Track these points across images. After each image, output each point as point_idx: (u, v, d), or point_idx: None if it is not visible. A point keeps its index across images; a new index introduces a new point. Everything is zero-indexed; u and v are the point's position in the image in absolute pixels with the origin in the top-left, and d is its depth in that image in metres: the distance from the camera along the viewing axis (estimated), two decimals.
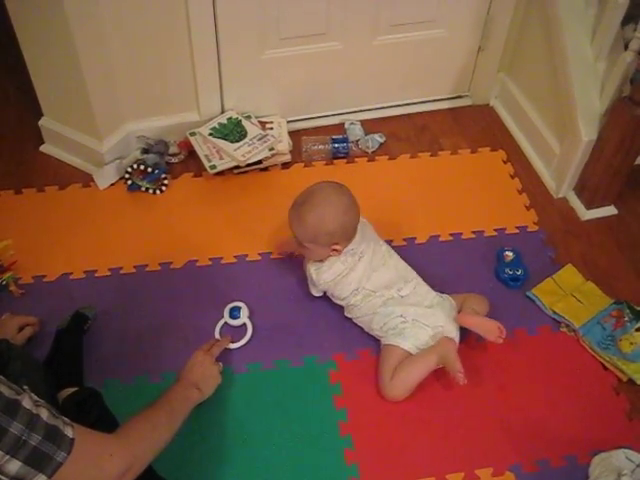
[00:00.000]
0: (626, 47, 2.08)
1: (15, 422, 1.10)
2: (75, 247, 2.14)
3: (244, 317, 1.94)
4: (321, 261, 1.86)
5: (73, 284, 2.05)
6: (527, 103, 2.53)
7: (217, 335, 1.92)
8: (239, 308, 1.96)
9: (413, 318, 1.82)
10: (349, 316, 1.94)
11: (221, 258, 2.12)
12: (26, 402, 1.13)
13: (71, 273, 2.07)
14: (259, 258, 2.13)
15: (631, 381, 1.86)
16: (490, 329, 1.84)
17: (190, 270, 2.09)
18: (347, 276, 1.85)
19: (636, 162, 2.24)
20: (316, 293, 1.95)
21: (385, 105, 2.66)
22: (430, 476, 1.68)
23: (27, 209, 2.26)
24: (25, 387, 1.18)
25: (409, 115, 2.66)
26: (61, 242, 2.16)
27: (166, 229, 2.21)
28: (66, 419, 1.21)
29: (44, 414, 1.15)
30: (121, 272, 2.08)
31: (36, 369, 1.60)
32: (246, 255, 2.13)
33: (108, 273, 2.08)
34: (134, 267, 2.09)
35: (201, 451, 1.71)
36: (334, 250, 1.82)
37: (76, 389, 1.67)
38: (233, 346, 1.90)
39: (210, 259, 2.12)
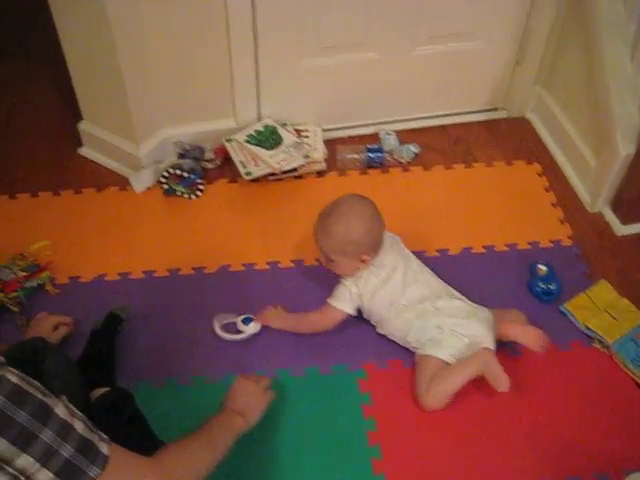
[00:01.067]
0: None
1: (46, 429, 1.08)
2: (110, 249, 2.17)
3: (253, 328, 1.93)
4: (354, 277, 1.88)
5: (107, 285, 2.07)
6: (563, 116, 2.52)
7: (217, 330, 1.93)
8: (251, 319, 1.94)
9: (450, 328, 1.82)
10: (382, 332, 1.93)
11: (254, 264, 2.14)
12: (59, 410, 1.12)
13: (106, 274, 2.10)
14: (292, 265, 2.14)
15: None
16: (532, 337, 1.82)
17: (223, 275, 2.11)
18: (382, 289, 1.85)
19: None
20: (351, 311, 1.90)
21: (420, 116, 2.66)
22: None
23: (65, 210, 2.30)
24: (64, 397, 1.17)
25: (444, 126, 2.66)
26: (97, 244, 2.19)
27: (200, 234, 2.23)
28: (103, 435, 1.19)
29: (79, 426, 1.14)
30: (155, 275, 2.10)
31: (71, 368, 1.62)
32: (278, 262, 2.14)
33: (142, 276, 2.10)
34: (167, 270, 2.11)
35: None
36: (362, 261, 1.83)
37: (108, 389, 1.69)
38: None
39: (243, 265, 2.13)
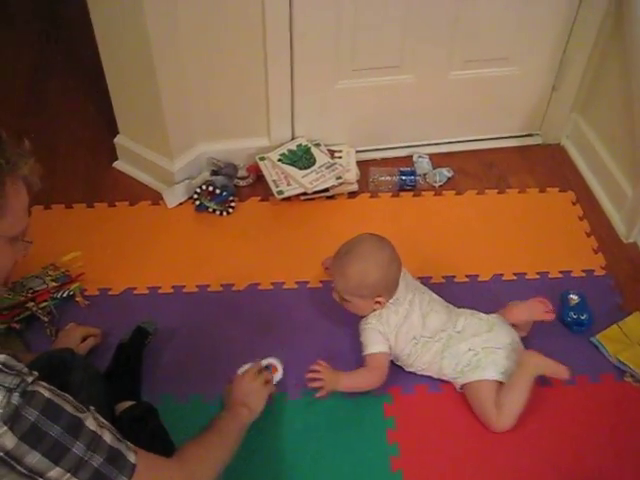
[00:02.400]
0: None
1: (78, 442, 1.11)
2: (141, 263, 2.19)
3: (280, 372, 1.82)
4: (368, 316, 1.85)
5: (136, 299, 2.09)
6: (600, 144, 2.49)
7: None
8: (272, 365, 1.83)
9: (482, 347, 1.81)
10: (412, 370, 1.89)
11: (283, 283, 2.14)
12: (90, 422, 1.15)
13: (135, 288, 2.11)
14: (320, 285, 2.13)
15: None
16: (536, 309, 1.90)
17: (251, 293, 2.11)
18: (403, 325, 1.83)
19: None
20: (389, 350, 1.85)
21: (454, 140, 2.65)
22: None
23: (97, 223, 2.32)
24: (92, 408, 1.20)
25: (478, 151, 2.65)
26: (128, 257, 2.21)
27: (230, 251, 2.24)
28: (130, 444, 1.23)
29: (107, 437, 1.17)
30: (183, 290, 2.11)
31: (97, 380, 1.63)
32: (307, 282, 2.14)
33: (171, 290, 2.11)
34: (196, 286, 2.12)
35: (251, 473, 1.70)
36: (377, 303, 1.81)
37: (133, 403, 1.70)
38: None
39: (272, 283, 2.14)
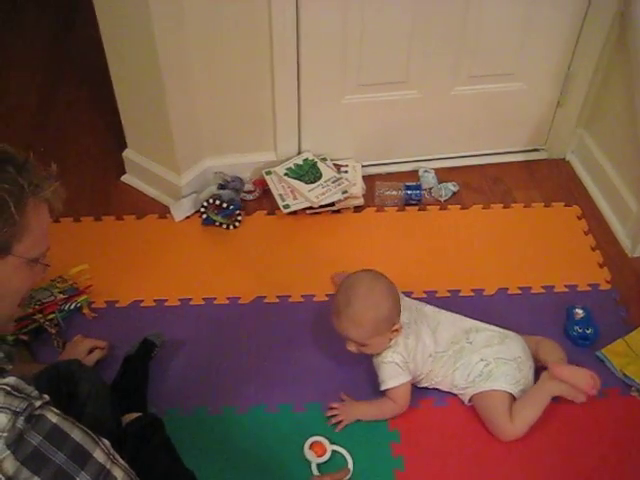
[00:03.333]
0: None
1: (83, 472, 1.08)
2: (148, 275, 2.20)
3: (327, 454, 1.76)
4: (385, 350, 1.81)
5: (143, 311, 2.10)
6: (605, 159, 2.50)
7: (306, 452, 1.76)
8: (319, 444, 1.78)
9: (494, 357, 1.82)
10: (425, 385, 1.89)
11: (289, 296, 2.15)
12: (98, 454, 1.12)
13: (142, 300, 2.13)
14: (326, 299, 2.14)
15: None
16: (583, 378, 1.77)
17: (257, 306, 2.12)
18: (418, 346, 1.81)
19: None
20: (410, 378, 1.82)
21: (460, 155, 2.66)
22: None
23: (105, 236, 2.34)
24: (105, 441, 1.16)
25: (483, 166, 2.66)
26: (135, 270, 2.22)
27: (237, 264, 2.25)
28: None
29: (119, 474, 1.14)
30: (190, 303, 2.12)
31: (104, 392, 1.64)
32: (314, 295, 2.15)
33: (178, 303, 2.12)
34: (203, 299, 2.13)
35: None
36: (394, 332, 1.77)
37: (139, 415, 1.70)
38: None
39: (278, 297, 2.14)
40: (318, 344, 2.01)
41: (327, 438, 1.77)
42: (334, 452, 1.75)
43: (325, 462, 1.74)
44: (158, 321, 2.06)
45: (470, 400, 1.85)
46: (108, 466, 1.12)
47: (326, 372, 1.94)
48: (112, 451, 1.16)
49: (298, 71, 2.27)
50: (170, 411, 1.82)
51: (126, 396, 1.76)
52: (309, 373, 1.94)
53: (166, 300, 2.13)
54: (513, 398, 1.80)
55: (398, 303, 1.77)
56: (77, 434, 1.10)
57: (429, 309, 1.92)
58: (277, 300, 2.14)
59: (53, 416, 1.09)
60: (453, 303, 2.11)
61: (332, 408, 1.84)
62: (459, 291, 2.17)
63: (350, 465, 1.73)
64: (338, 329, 1.77)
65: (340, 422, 1.82)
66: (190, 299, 2.13)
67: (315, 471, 1.72)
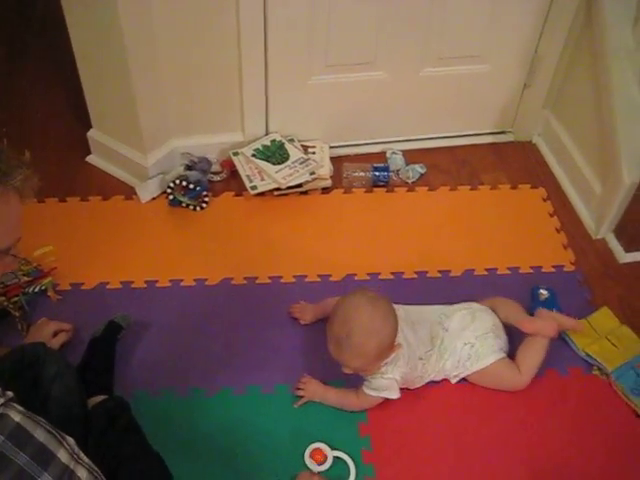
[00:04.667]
0: None
1: (46, 473, 1.04)
2: (114, 257, 2.18)
3: (329, 462, 1.72)
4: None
5: (109, 293, 2.08)
6: (570, 142, 2.52)
7: (307, 461, 1.73)
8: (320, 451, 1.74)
9: (475, 336, 1.86)
10: (418, 386, 1.87)
11: (256, 278, 2.14)
12: (62, 454, 1.08)
13: (108, 283, 2.11)
14: (293, 280, 2.14)
15: None
16: (551, 330, 1.90)
17: (225, 288, 2.11)
18: (407, 351, 1.78)
19: None
20: (396, 395, 1.78)
21: (427, 137, 2.67)
22: None
23: (70, 217, 2.31)
24: (70, 439, 1.12)
25: (451, 148, 2.67)
26: (100, 252, 2.19)
27: (204, 246, 2.24)
28: None
29: (82, 473, 1.11)
30: (157, 285, 2.11)
31: (70, 374, 1.62)
32: (281, 277, 2.15)
33: (144, 285, 2.11)
34: (169, 281, 2.12)
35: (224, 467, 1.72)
36: (393, 349, 1.72)
37: (105, 397, 1.70)
38: None
39: (245, 278, 2.14)
40: (286, 326, 2.01)
41: (327, 444, 1.74)
42: (335, 458, 1.73)
43: (327, 470, 1.70)
44: (124, 303, 2.04)
45: (463, 379, 1.89)
46: (72, 466, 1.09)
47: (294, 353, 1.95)
48: (77, 450, 1.13)
49: (265, 51, 2.25)
50: (137, 393, 1.81)
51: (92, 379, 1.75)
52: (277, 355, 1.94)
53: (132, 282, 2.11)
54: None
55: (397, 321, 1.71)
56: (40, 434, 1.07)
57: (402, 311, 1.85)
58: (244, 282, 2.13)
59: (16, 415, 1.05)
60: (420, 284, 2.14)
61: (300, 382, 1.85)
62: (426, 272, 2.18)
63: (352, 470, 1.71)
64: (338, 360, 1.71)
65: (302, 398, 1.83)
66: (156, 281, 2.12)
67: None
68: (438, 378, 1.90)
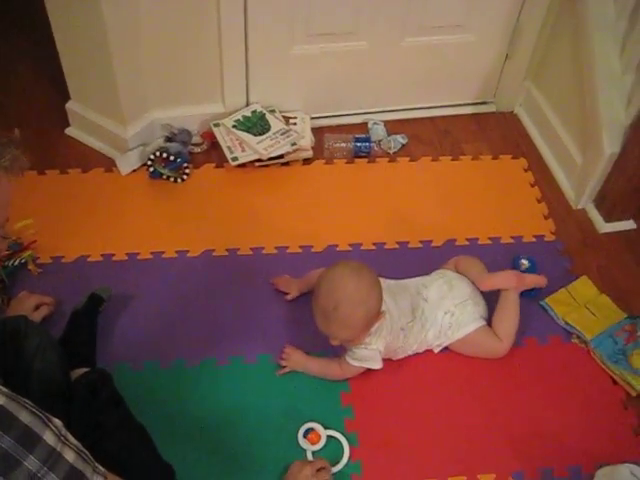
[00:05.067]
0: None
1: (32, 456, 1.02)
2: (94, 230, 2.17)
3: (322, 441, 1.73)
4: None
5: (90, 266, 2.07)
6: (551, 112, 2.53)
7: (301, 441, 1.73)
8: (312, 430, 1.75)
9: (454, 305, 1.87)
10: (401, 357, 1.89)
11: (237, 249, 2.14)
12: (48, 436, 1.06)
13: (89, 255, 2.10)
14: (275, 252, 2.14)
15: None
16: (511, 281, 1.93)
17: (206, 259, 2.11)
18: (389, 322, 1.78)
19: None
20: (378, 366, 1.79)
21: (409, 107, 2.66)
22: (433, 477, 1.69)
23: (49, 190, 2.29)
24: (56, 421, 1.10)
25: (432, 118, 2.66)
26: (81, 224, 2.18)
27: (185, 217, 2.23)
28: (101, 468, 1.14)
29: (70, 455, 1.09)
30: (138, 257, 2.10)
31: (52, 346, 1.62)
32: (262, 248, 2.15)
33: (125, 258, 2.10)
34: (151, 253, 2.11)
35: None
36: (379, 317, 1.72)
37: (87, 370, 1.70)
38: (334, 469, 1.68)
39: (227, 249, 2.14)
40: (268, 296, 2.02)
41: (320, 424, 1.75)
42: (329, 437, 1.73)
43: (321, 449, 1.71)
44: (105, 276, 2.03)
45: (445, 349, 1.91)
46: (58, 448, 1.07)
47: (276, 324, 1.96)
48: (63, 431, 1.11)
49: (245, 21, 2.22)
50: (119, 366, 1.81)
51: (74, 351, 1.75)
52: (259, 325, 1.95)
53: (113, 255, 2.10)
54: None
55: (381, 290, 1.70)
56: (25, 416, 1.04)
57: (383, 282, 1.80)
58: (226, 253, 2.13)
59: (0, 397, 1.04)
60: (401, 255, 2.15)
61: (284, 352, 1.86)
62: (407, 243, 2.19)
63: (346, 449, 1.71)
64: (326, 332, 1.70)
65: (284, 367, 1.85)
66: (138, 253, 2.11)
67: (310, 457, 1.70)
68: (421, 350, 1.91)
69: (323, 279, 1.68)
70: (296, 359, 1.85)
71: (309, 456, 1.71)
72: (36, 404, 1.10)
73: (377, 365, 1.78)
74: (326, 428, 1.75)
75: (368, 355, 1.77)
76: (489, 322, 1.92)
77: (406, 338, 1.84)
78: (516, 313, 1.90)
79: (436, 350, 1.91)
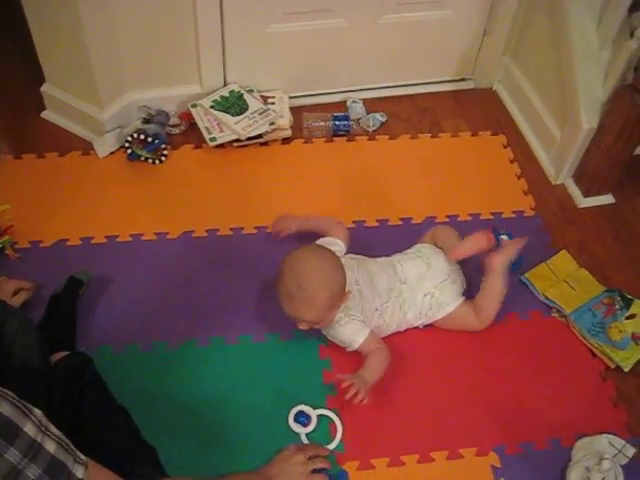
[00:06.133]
0: (632, 35, 2.07)
1: (12, 448, 1.03)
2: (72, 214, 2.15)
3: (313, 422, 1.73)
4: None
5: (69, 250, 2.06)
6: (530, 88, 2.53)
7: (292, 425, 1.72)
8: (303, 414, 1.74)
9: (434, 286, 1.87)
10: (383, 335, 1.87)
11: (217, 230, 2.13)
12: (28, 428, 1.06)
13: (67, 239, 2.08)
14: (255, 232, 2.14)
15: (618, 368, 1.88)
16: (480, 242, 1.92)
17: (186, 241, 2.10)
18: (362, 302, 1.79)
19: (635, 152, 2.25)
20: (367, 330, 1.78)
21: (388, 85, 2.65)
22: (414, 453, 1.70)
23: (26, 174, 2.26)
24: (37, 411, 1.10)
25: (411, 96, 2.66)
26: (59, 208, 2.16)
27: (164, 199, 2.22)
28: (81, 457, 1.14)
29: (51, 446, 1.09)
30: (117, 240, 2.09)
31: (31, 331, 1.61)
32: (242, 228, 2.14)
33: (104, 240, 2.08)
34: (130, 235, 2.10)
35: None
36: (345, 297, 1.74)
37: (68, 353, 1.69)
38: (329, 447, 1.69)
39: (206, 230, 2.13)
40: (248, 276, 2.01)
41: (309, 405, 1.74)
42: (320, 416, 1.74)
43: (314, 430, 1.71)
44: (85, 260, 2.02)
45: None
46: (39, 439, 1.07)
47: (256, 304, 1.95)
48: (44, 422, 1.11)
49: (221, 0, 2.20)
50: (100, 349, 1.81)
51: (54, 335, 1.75)
52: (239, 306, 1.95)
53: (92, 238, 2.09)
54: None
55: (344, 270, 1.73)
56: (6, 408, 1.04)
57: (357, 262, 1.87)
58: (205, 234, 2.12)
59: None
60: (382, 232, 2.15)
61: (348, 387, 1.66)
62: (387, 220, 2.19)
63: (339, 425, 1.72)
64: (292, 314, 1.71)
65: (357, 393, 1.66)
66: (117, 236, 2.10)
67: (305, 440, 1.70)
68: (402, 329, 1.91)
69: (286, 263, 1.70)
70: (361, 380, 1.68)
71: (303, 439, 1.70)
72: (16, 389, 1.10)
73: (366, 328, 1.77)
74: (315, 408, 1.74)
75: (347, 331, 1.76)
76: (470, 295, 1.93)
77: (381, 317, 1.84)
78: (499, 299, 1.88)
79: (420, 326, 1.92)
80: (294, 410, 1.74)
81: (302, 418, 1.72)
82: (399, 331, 1.91)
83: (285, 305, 1.71)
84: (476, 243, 1.92)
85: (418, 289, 1.88)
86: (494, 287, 1.87)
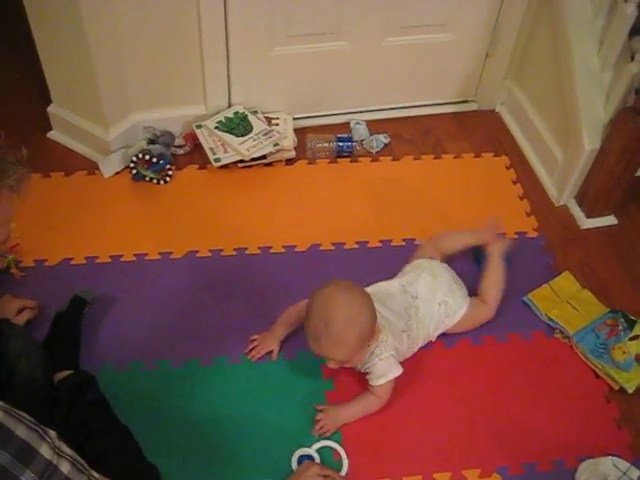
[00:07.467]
0: (632, 58, 2.09)
1: (28, 470, 1.03)
2: (77, 233, 2.16)
3: (317, 460, 1.70)
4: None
5: (73, 269, 2.07)
6: (532, 110, 2.54)
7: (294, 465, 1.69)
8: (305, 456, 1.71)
9: (445, 294, 1.89)
10: (408, 356, 1.87)
11: (221, 250, 2.14)
12: (44, 450, 1.07)
13: (72, 258, 2.09)
14: (258, 252, 2.14)
15: (622, 390, 1.87)
16: (487, 236, 2.04)
17: (190, 261, 2.11)
18: (390, 329, 1.78)
19: (637, 173, 2.26)
20: (400, 370, 1.77)
21: (391, 106, 2.67)
22: (418, 474, 1.70)
23: (32, 194, 2.22)
24: (52, 432, 1.11)
25: (414, 117, 2.67)
26: (64, 228, 2.17)
27: (168, 220, 2.23)
28: (94, 475, 1.14)
29: (65, 467, 1.10)
30: (121, 259, 2.10)
31: (35, 350, 1.62)
32: (246, 248, 2.15)
33: (108, 260, 2.09)
34: (134, 255, 2.11)
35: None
36: (375, 335, 1.70)
37: (71, 372, 1.69)
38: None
39: (210, 250, 2.14)
40: (251, 296, 2.02)
41: (308, 447, 1.71)
42: (322, 448, 1.72)
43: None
44: (89, 279, 2.03)
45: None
46: (55, 461, 1.08)
47: (260, 324, 1.95)
48: (57, 443, 1.12)
49: (226, 22, 2.23)
50: (104, 368, 1.81)
51: (58, 354, 1.75)
52: (243, 326, 1.95)
53: (97, 257, 2.10)
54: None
55: (374, 306, 1.68)
56: (22, 431, 1.05)
57: (373, 289, 1.85)
58: (209, 254, 2.13)
59: None
60: (384, 253, 2.16)
61: (317, 420, 1.73)
62: (390, 241, 2.20)
63: (345, 464, 1.69)
64: (320, 353, 1.67)
65: (327, 431, 1.73)
66: (121, 255, 2.11)
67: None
68: (423, 344, 1.92)
69: (313, 300, 1.66)
70: (333, 416, 1.74)
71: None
72: (19, 407, 1.10)
73: (398, 371, 1.75)
74: (312, 445, 1.72)
75: (385, 366, 1.73)
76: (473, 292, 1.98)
77: (409, 337, 1.83)
78: (502, 280, 1.98)
79: (434, 339, 1.93)
80: (295, 455, 1.69)
81: (304, 459, 1.69)
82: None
83: (312, 343, 1.66)
84: (485, 238, 2.05)
85: (432, 300, 1.88)
86: (497, 269, 1.98)
